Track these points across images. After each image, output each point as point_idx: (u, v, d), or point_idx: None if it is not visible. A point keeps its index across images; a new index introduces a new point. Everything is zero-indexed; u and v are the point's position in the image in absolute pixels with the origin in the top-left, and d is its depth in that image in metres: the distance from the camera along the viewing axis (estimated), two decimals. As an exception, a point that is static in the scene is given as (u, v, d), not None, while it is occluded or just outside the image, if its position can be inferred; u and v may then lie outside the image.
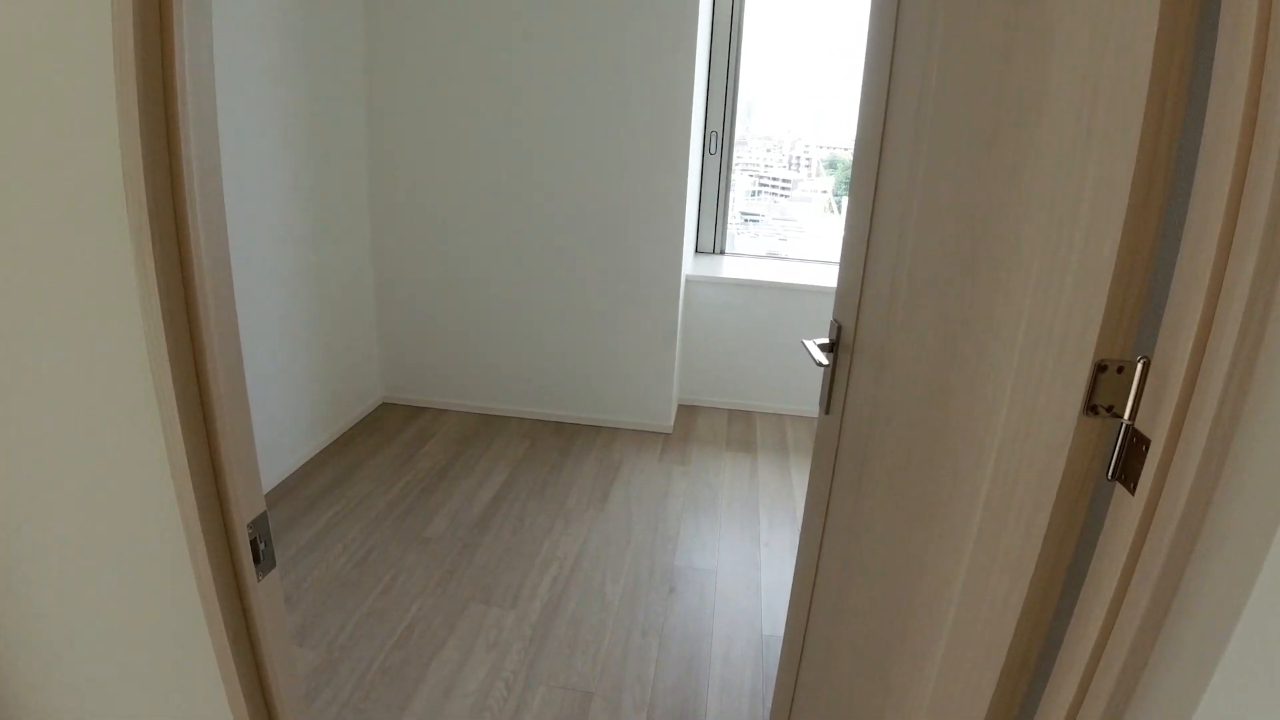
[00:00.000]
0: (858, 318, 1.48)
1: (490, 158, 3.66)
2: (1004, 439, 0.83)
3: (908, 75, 1.23)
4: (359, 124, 3.71)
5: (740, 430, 4.05)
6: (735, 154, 4.25)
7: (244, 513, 1.07)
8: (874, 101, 1.38)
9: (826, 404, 1.64)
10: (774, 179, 4.76)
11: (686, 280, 3.96)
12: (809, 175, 4.80)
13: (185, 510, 1.02)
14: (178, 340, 0.95)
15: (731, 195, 4.34)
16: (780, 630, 2.49)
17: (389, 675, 2.31)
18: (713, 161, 4.19)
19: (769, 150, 4.72)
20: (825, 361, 1.59)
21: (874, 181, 1.38)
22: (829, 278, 4.11)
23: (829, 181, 4.75)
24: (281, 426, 3.40)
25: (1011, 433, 0.82)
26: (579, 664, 2.39)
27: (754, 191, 4.74)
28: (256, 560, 1.10)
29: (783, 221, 4.87)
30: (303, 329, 3.46)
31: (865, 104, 1.42)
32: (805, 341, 1.62)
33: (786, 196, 4.80)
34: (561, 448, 3.78)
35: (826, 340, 1.62)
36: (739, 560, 2.96)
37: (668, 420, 3.96)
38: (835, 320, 1.60)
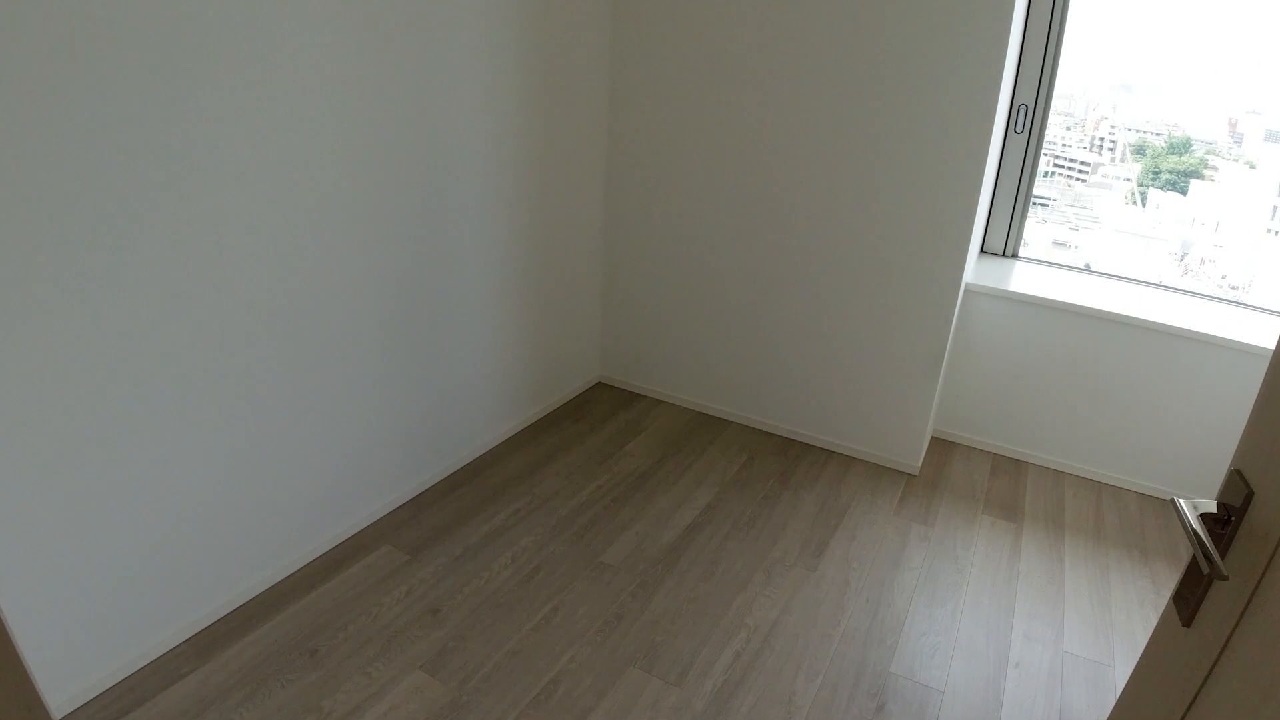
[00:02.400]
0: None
1: (735, 140, 3.07)
2: None
3: None
4: (600, 100, 3.29)
5: (1005, 486, 3.20)
6: (1046, 135, 3.29)
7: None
8: None
9: (1190, 611, 0.93)
10: (1070, 160, 3.75)
11: (966, 290, 3.14)
12: (1112, 160, 3.73)
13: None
14: None
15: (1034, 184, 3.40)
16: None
17: (512, 750, 1.93)
18: (1015, 142, 3.27)
19: (1068, 128, 3.70)
20: (1203, 535, 0.87)
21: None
22: (1151, 306, 3.08)
23: (1135, 169, 3.66)
24: (488, 396, 3.16)
25: None
26: (740, 795, 1.85)
27: (1046, 173, 3.74)
28: None
29: (1075, 209, 3.84)
30: (524, 294, 3.16)
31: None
32: (1178, 500, 0.91)
33: (1083, 181, 3.77)
34: (782, 472, 3.19)
35: (1214, 502, 0.91)
36: (977, 681, 2.23)
37: (915, 459, 3.21)
38: (1237, 473, 0.88)
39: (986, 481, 3.21)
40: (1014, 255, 3.52)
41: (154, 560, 2.05)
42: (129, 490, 1.94)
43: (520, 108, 2.88)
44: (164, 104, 1.78)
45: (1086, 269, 3.56)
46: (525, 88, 2.88)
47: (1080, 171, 3.77)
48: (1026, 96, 3.16)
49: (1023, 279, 3.28)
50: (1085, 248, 3.76)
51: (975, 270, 3.30)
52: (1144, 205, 3.67)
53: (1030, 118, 3.20)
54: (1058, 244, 3.77)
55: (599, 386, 3.92)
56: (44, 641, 1.86)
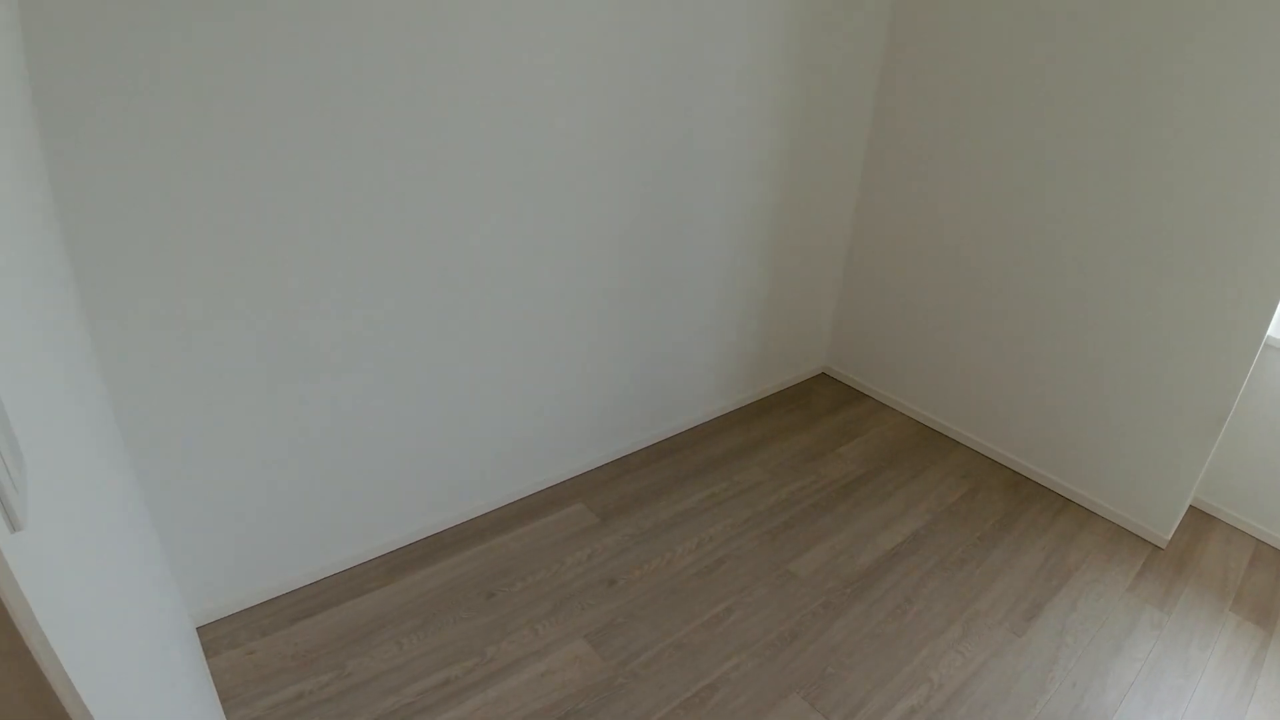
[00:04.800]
0: None
1: (1013, 147, 2.66)
2: None
3: None
4: (868, 74, 3.01)
5: (1265, 582, 2.59)
6: None
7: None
8: None
9: None
10: None
11: (1266, 345, 2.56)
12: None
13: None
14: None
15: None
16: None
17: (655, 749, 1.87)
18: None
19: None
20: None
21: None
22: None
23: None
24: (706, 369, 3.09)
25: None
26: None
27: None
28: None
29: None
30: (760, 268, 3.03)
31: None
32: None
33: None
34: (1006, 513, 2.82)
35: None
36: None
37: (1166, 528, 2.70)
38: None
39: (1243, 571, 2.64)
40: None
41: (363, 479, 2.20)
42: (354, 414, 2.08)
43: (783, 75, 2.70)
44: (427, 81, 1.83)
45: None
46: (791, 53, 2.69)
47: None
48: None
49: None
50: None
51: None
52: None
53: None
54: None
55: (822, 377, 3.70)
56: (255, 532, 2.06)
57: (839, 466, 3.00)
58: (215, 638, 2.04)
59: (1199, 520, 2.88)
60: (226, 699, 1.88)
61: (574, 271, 2.42)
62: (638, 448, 2.99)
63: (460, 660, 2.03)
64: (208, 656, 1.99)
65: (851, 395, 3.55)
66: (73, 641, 0.66)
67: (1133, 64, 2.38)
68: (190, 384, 1.77)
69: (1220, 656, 2.28)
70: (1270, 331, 2.53)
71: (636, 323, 2.70)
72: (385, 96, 1.80)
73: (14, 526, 0.58)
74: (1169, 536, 2.70)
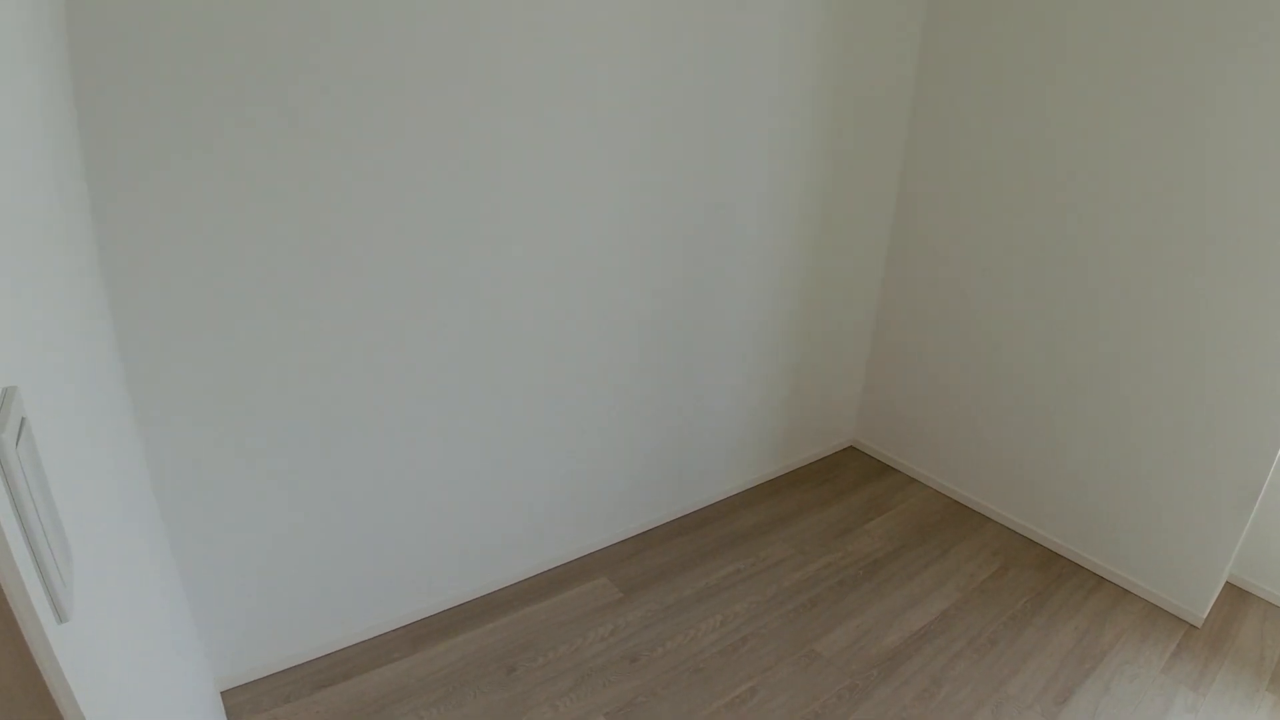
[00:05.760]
0: None
1: (1042, 221, 2.70)
2: None
3: None
4: (893, 153, 3.09)
5: None
6: None
7: None
8: None
9: None
10: None
11: None
12: None
13: None
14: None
15: None
16: None
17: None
18: None
19: None
20: None
21: None
22: None
23: None
24: (733, 442, 3.11)
25: None
26: None
27: None
28: None
29: None
30: (788, 341, 3.06)
31: None
32: None
33: None
34: (1038, 591, 2.76)
35: None
36: None
37: (1201, 606, 2.62)
38: None
39: None
40: None
41: (390, 550, 2.24)
42: (381, 489, 2.13)
43: (810, 153, 2.78)
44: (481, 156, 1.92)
45: None
46: (818, 131, 2.77)
47: None
48: None
49: None
50: None
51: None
52: None
53: None
54: None
55: (850, 450, 3.69)
56: (282, 598, 2.09)
57: (866, 542, 2.97)
58: (238, 703, 2.06)
59: (1235, 597, 2.80)
60: (248, 770, 1.89)
61: (602, 347, 2.47)
62: (663, 521, 3.00)
63: (480, 737, 2.03)
64: (232, 726, 2.01)
65: (880, 469, 3.54)
66: (108, 727, 0.70)
67: (1159, 138, 2.42)
68: (227, 451, 1.83)
69: (1263, 752, 2.19)
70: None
71: (664, 397, 2.74)
72: (429, 185, 1.89)
73: (61, 618, 0.62)
74: (1204, 615, 2.63)
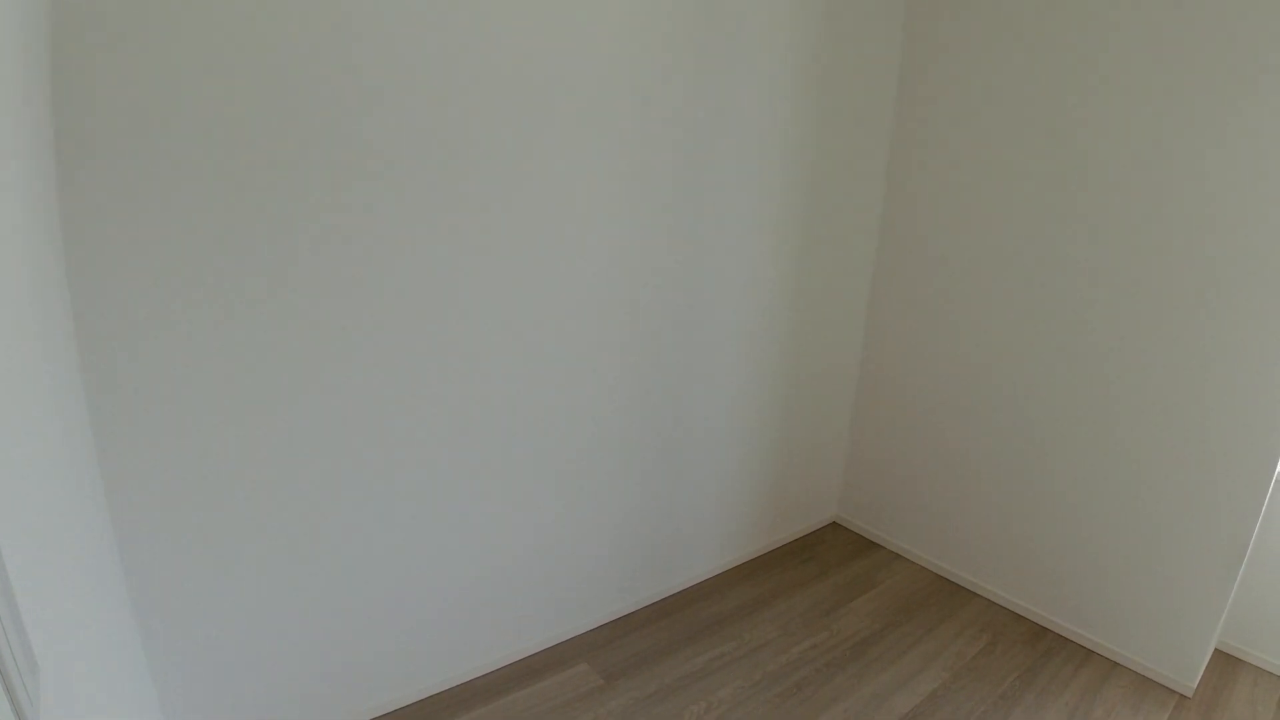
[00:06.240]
0: None
1: (1016, 297, 2.78)
2: None
3: None
4: (868, 232, 3.18)
5: None
6: None
7: None
8: None
9: None
10: None
11: (1278, 480, 2.54)
12: None
13: None
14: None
15: None
16: None
17: None
18: None
19: None
20: None
21: None
22: None
23: None
24: (714, 521, 3.07)
25: None
26: None
27: None
28: None
29: None
30: (768, 420, 3.07)
31: None
32: None
33: None
34: (1027, 668, 2.72)
35: None
36: None
37: (1191, 675, 2.58)
38: None
39: (1272, 713, 2.50)
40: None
41: (362, 641, 2.16)
42: (354, 582, 2.07)
43: (784, 240, 2.84)
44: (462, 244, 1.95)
45: None
46: (791, 217, 2.84)
47: None
48: None
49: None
50: None
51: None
52: None
53: None
54: None
55: (833, 527, 3.66)
56: (253, 692, 2.01)
57: (851, 622, 2.92)
58: (201, 814, 1.95)
59: (1225, 664, 2.77)
60: None
61: (580, 432, 2.46)
62: (644, 604, 2.93)
63: (455, 840, 1.92)
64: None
65: (864, 545, 3.50)
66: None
67: (1142, 192, 2.50)
68: (202, 550, 1.78)
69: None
70: None
71: (646, 479, 2.72)
72: (410, 281, 1.91)
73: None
74: (1195, 684, 2.59)
